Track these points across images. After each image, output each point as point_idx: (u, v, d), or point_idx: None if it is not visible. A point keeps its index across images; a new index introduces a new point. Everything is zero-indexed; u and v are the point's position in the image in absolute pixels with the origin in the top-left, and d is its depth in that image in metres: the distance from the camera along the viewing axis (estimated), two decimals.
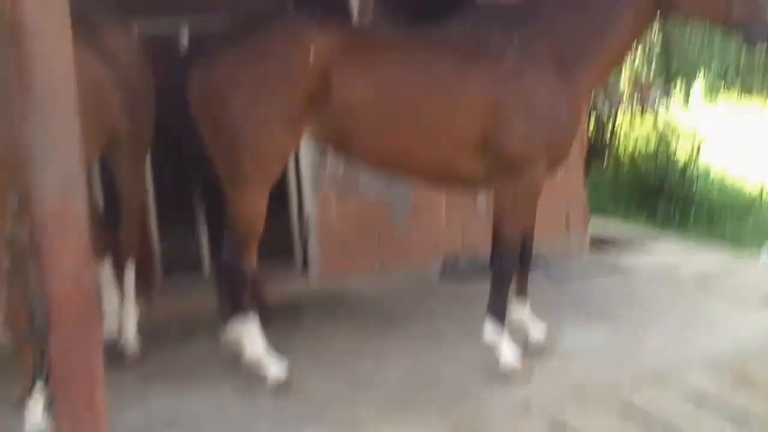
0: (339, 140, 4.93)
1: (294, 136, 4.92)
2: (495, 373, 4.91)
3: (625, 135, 11.67)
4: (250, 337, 5.00)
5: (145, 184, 5.74)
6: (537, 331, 5.31)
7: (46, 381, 4.01)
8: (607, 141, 11.53)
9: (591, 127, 10.74)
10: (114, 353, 5.45)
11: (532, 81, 4.81)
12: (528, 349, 5.19)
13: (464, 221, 7.01)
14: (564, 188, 7.12)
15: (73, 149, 3.80)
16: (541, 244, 6.87)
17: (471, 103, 4.80)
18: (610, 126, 11.59)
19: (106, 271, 5.74)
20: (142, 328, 5.66)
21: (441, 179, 5.12)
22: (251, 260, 5.03)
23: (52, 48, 3.70)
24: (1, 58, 4.06)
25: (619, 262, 7.25)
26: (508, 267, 4.98)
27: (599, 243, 7.81)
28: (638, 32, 5.04)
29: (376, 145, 4.90)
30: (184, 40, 6.10)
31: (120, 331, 5.61)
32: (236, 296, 5.02)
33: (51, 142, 3.76)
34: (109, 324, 5.69)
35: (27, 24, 3.57)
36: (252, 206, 4.89)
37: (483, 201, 6.83)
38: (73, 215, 3.82)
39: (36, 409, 4.26)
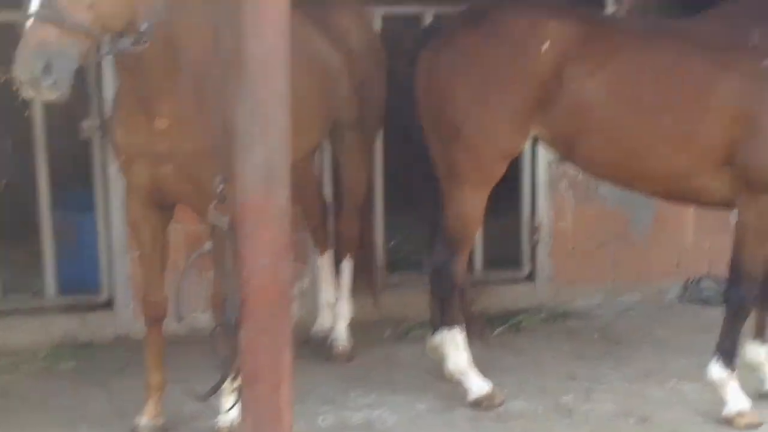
0: (567, 144, 4.56)
1: (519, 136, 4.60)
2: (717, 419, 4.42)
3: None
4: (454, 347, 4.75)
5: (368, 175, 5.56)
6: None
7: (235, 374, 3.93)
8: None
9: None
10: (324, 348, 5.40)
11: None
12: (760, 396, 4.63)
13: (713, 240, 6.39)
14: None
15: (280, 139, 3.68)
16: None
17: (719, 109, 4.30)
18: None
19: (327, 262, 5.68)
20: (356, 325, 5.55)
21: (677, 194, 4.63)
22: (463, 265, 4.77)
23: (269, 31, 3.59)
24: (220, 38, 4.03)
25: None
26: (744, 300, 4.43)
27: None
28: None
29: (608, 153, 4.50)
30: (427, 20, 5.89)
31: (332, 325, 5.53)
32: (445, 302, 4.78)
33: (259, 130, 3.66)
34: (324, 317, 5.65)
35: (244, 6, 3.46)
36: (467, 208, 4.63)
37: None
38: (274, 207, 3.71)
39: (227, 402, 4.21)
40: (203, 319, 5.47)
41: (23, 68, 3.44)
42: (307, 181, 5.58)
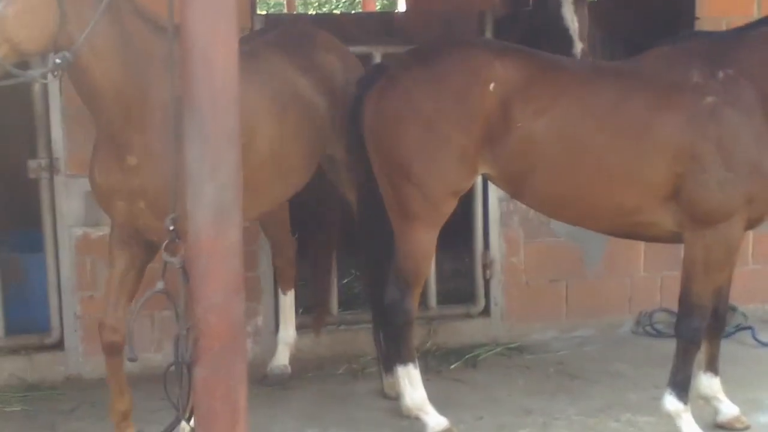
0: (514, 183, 4.58)
1: (467, 175, 4.61)
2: None
3: None
4: (410, 383, 4.73)
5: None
6: (727, 409, 4.75)
7: (190, 413, 3.87)
8: None
9: None
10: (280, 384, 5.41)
11: (734, 125, 4.30)
12: (715, 427, 4.67)
13: (664, 272, 6.44)
14: None
15: (230, 177, 3.65)
16: (750, 308, 6.28)
17: (661, 146, 4.35)
18: None
19: (290, 300, 5.63)
20: (311, 362, 5.57)
21: (625, 230, 4.66)
22: (416, 301, 4.75)
23: (218, 72, 3.57)
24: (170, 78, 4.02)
25: None
26: (694, 332, 4.46)
27: None
28: None
29: (555, 192, 4.53)
30: (376, 60, 5.91)
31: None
32: (399, 339, 4.76)
33: (208, 169, 3.63)
34: (281, 354, 5.60)
35: (193, 46, 3.44)
36: (419, 245, 4.62)
37: None
38: (225, 245, 3.67)
39: None
40: (156, 358, 5.42)
41: None
42: (279, 219, 5.55)
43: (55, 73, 3.70)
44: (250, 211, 4.80)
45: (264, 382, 5.46)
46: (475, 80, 4.46)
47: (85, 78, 3.88)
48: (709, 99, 4.33)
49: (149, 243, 4.31)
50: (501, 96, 4.43)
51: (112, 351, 4.38)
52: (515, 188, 4.65)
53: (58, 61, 3.68)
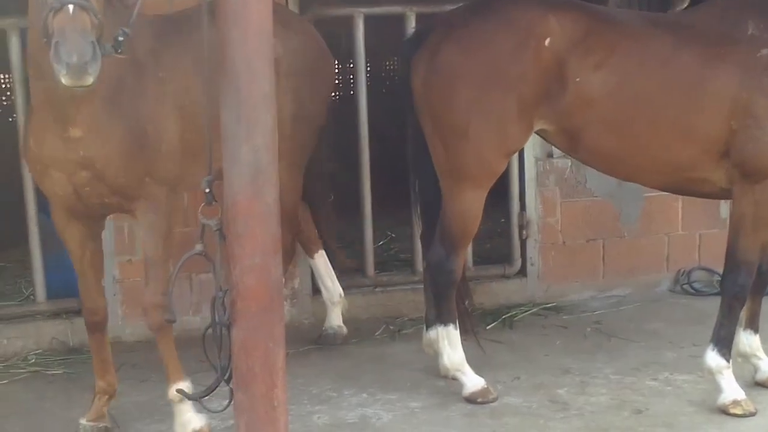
0: (571, 137, 4.53)
1: (524, 132, 4.56)
2: (711, 408, 4.42)
3: None
4: (449, 344, 4.73)
5: (299, 185, 5.16)
6: (766, 366, 4.70)
7: (229, 375, 3.91)
8: None
9: None
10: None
11: None
12: (754, 385, 4.64)
13: (702, 231, 6.41)
14: None
15: (266, 139, 3.67)
16: None
17: (715, 100, 4.30)
18: None
19: (324, 260, 5.62)
20: (348, 323, 5.61)
21: (674, 184, 4.63)
22: (461, 262, 4.74)
23: (253, 34, 3.57)
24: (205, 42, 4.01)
25: None
26: (740, 288, 4.41)
27: None
28: None
29: (609, 144, 4.48)
30: (410, 20, 5.87)
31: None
32: (441, 299, 4.75)
33: (245, 131, 3.64)
34: (333, 315, 5.63)
35: (228, 9, 3.45)
36: (468, 205, 4.60)
37: (726, 209, 6.20)
38: (262, 206, 3.69)
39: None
40: (194, 321, 5.47)
41: (75, 51, 3.37)
42: (285, 188, 5.47)
43: (119, 49, 3.70)
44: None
45: (318, 342, 5.52)
46: (531, 36, 4.41)
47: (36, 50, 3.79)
48: (764, 51, 4.26)
49: (95, 214, 4.26)
50: (557, 50, 4.38)
51: (96, 329, 4.43)
52: (571, 143, 4.61)
53: (120, 38, 3.69)
